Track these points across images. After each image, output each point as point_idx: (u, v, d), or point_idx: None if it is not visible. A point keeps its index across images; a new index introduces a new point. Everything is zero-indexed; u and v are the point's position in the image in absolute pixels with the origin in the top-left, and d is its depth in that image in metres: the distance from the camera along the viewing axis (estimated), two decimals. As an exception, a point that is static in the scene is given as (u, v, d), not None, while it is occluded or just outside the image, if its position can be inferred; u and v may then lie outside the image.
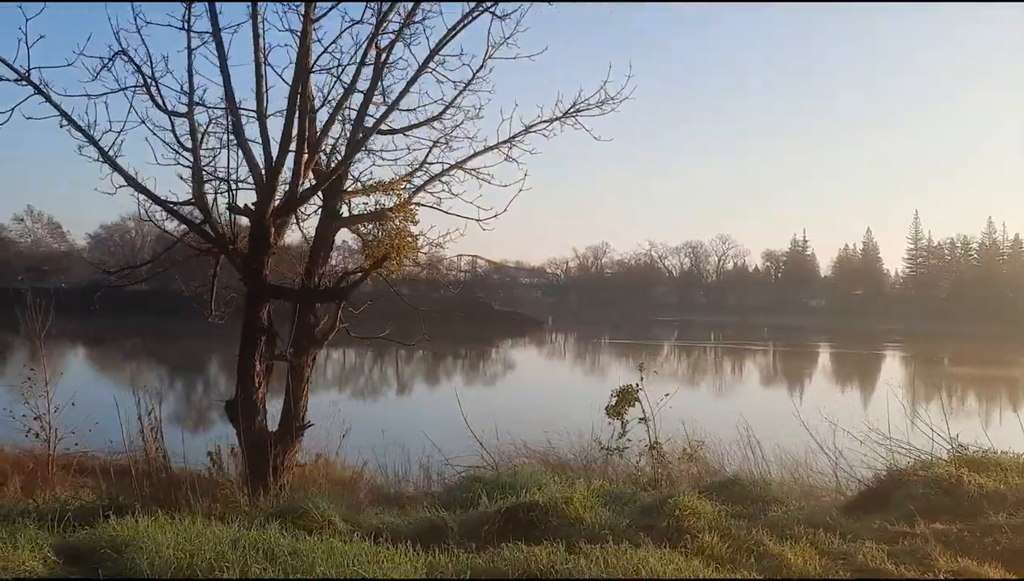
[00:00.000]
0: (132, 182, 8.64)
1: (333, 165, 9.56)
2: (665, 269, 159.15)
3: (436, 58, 8.97)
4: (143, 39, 8.62)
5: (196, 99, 9.06)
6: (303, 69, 8.54)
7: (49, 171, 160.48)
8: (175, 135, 9.12)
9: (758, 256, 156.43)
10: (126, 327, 65.33)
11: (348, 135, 9.77)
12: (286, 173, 8.79)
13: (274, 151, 8.64)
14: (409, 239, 8.69)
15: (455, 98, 8.73)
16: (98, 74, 8.50)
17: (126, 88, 9.06)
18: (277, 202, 8.85)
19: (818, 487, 10.02)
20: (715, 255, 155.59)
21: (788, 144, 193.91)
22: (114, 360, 53.64)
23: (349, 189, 9.38)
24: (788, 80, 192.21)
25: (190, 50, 8.61)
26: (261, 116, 8.61)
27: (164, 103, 9.02)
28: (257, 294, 8.88)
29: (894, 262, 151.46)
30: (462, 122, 9.04)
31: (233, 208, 8.82)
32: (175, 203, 8.91)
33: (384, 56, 9.04)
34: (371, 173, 10.22)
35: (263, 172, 8.67)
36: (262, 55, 8.56)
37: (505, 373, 52.44)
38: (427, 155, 9.32)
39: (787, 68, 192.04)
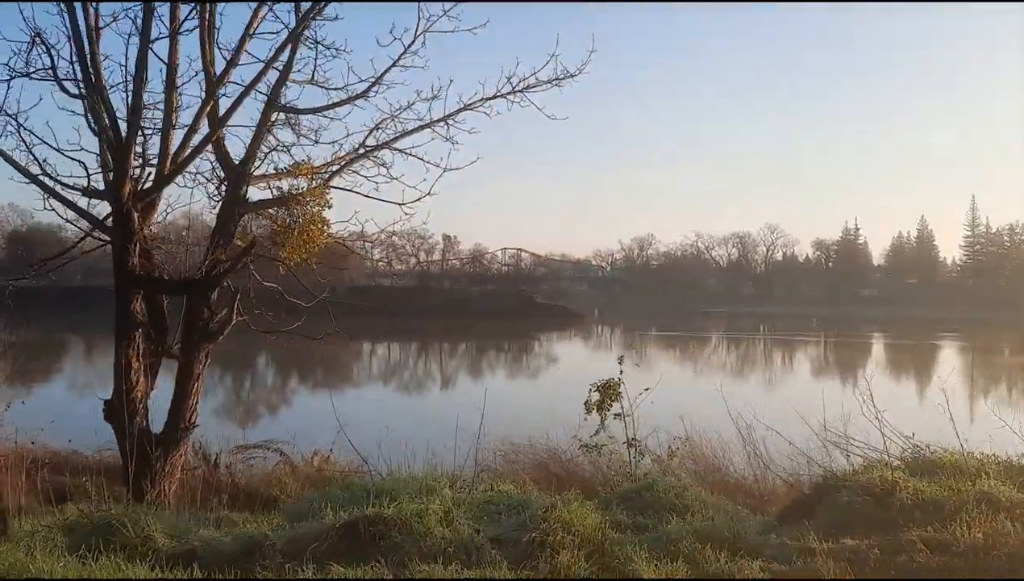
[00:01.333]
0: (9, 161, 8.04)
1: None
2: (712, 260, 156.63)
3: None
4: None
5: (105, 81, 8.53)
6: (146, 38, 7.85)
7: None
8: (87, 119, 8.62)
9: (808, 245, 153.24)
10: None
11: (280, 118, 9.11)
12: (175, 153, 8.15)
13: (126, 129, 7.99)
14: (313, 227, 8.01)
15: (381, 75, 8.06)
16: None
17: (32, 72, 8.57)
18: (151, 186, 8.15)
19: (768, 491, 9.25)
20: (763, 245, 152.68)
21: (838, 131, 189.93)
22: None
23: (257, 173, 8.71)
24: (835, 66, 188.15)
25: (74, 25, 8.03)
26: (94, 88, 7.93)
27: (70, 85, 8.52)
28: (124, 285, 8.34)
29: (950, 250, 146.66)
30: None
31: (88, 192, 8.28)
32: (69, 187, 8.36)
33: (300, 29, 8.32)
34: (307, 156, 9.47)
35: (113, 151, 8.05)
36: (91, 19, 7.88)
37: (536, 367, 51.59)
38: (347, 136, 8.56)
39: (832, 56, 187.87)
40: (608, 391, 9.71)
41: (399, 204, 8.64)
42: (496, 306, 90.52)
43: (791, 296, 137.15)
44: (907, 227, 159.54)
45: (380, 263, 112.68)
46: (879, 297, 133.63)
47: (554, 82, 7.97)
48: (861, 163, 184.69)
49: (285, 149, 8.48)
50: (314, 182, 8.70)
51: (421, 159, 8.68)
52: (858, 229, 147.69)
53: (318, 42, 8.15)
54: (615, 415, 9.67)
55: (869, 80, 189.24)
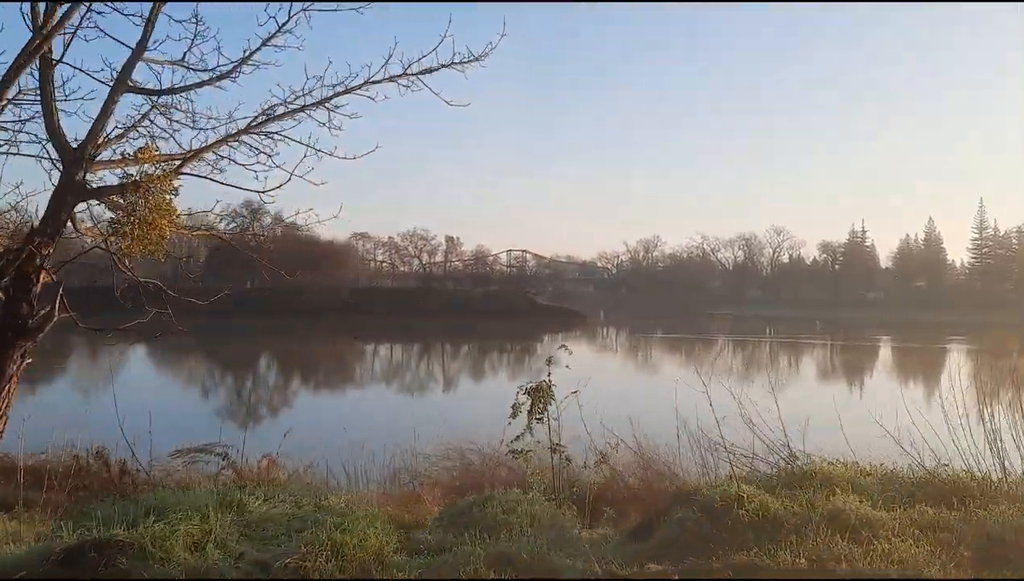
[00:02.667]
0: None
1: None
2: (718, 262, 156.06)
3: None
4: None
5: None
6: None
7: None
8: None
9: (814, 248, 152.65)
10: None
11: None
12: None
13: None
14: (160, 217, 7.20)
15: (250, 55, 7.34)
16: None
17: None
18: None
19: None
20: (769, 247, 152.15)
21: (845, 132, 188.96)
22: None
23: (98, 158, 7.73)
24: (842, 65, 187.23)
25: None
26: None
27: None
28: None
29: (958, 253, 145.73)
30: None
31: None
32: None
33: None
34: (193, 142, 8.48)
35: None
36: None
37: (528, 370, 51.03)
38: (208, 121, 7.68)
39: (840, 55, 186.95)
40: (539, 394, 9.28)
41: (259, 192, 7.67)
42: (498, 307, 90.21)
43: (797, 298, 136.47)
44: (914, 230, 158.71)
45: (384, 265, 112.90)
46: (886, 300, 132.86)
47: (454, 66, 7.38)
48: (868, 165, 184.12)
49: (146, 134, 7.67)
50: (158, 168, 7.76)
51: (310, 146, 7.70)
52: (865, 231, 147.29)
53: (183, 21, 7.29)
54: (537, 418, 9.18)
55: (877, 80, 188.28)
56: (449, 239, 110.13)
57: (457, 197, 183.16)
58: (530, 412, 9.14)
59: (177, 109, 7.44)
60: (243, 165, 7.52)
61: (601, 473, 10.11)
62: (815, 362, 57.88)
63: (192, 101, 7.58)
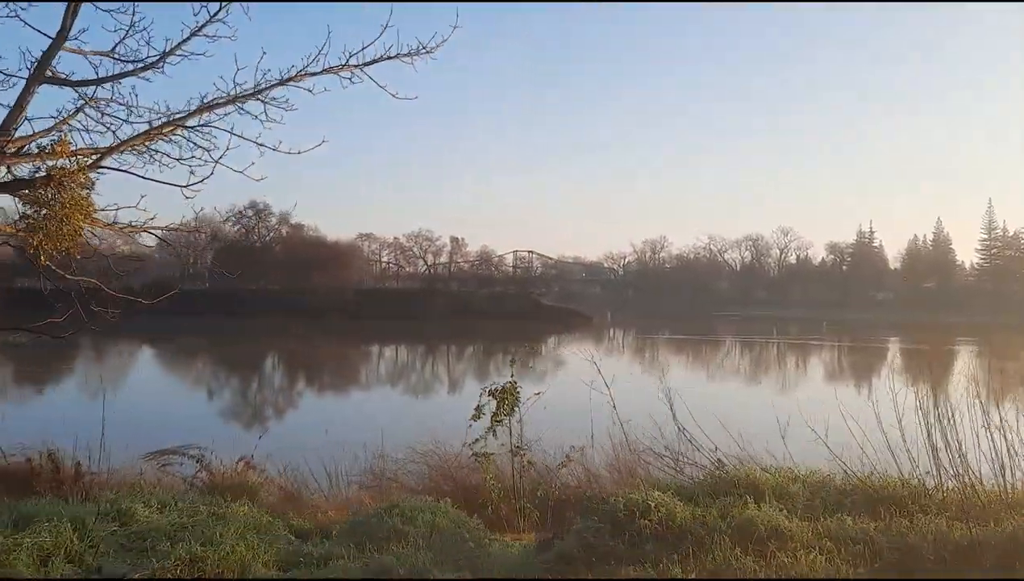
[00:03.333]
0: None
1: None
2: (725, 263, 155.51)
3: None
4: None
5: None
6: None
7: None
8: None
9: (821, 248, 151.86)
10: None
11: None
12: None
13: None
14: (75, 213, 6.91)
15: (178, 45, 6.98)
16: None
17: None
18: None
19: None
20: (777, 248, 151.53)
21: (852, 132, 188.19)
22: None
23: (20, 152, 7.45)
24: (849, 65, 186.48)
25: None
26: None
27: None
28: None
29: (968, 254, 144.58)
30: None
31: None
32: None
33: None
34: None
35: None
36: None
37: (531, 371, 50.68)
38: (150, 114, 7.37)
39: (846, 54, 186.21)
40: (505, 396, 9.07)
41: (181, 186, 7.34)
42: (503, 308, 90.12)
43: (805, 299, 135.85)
44: (923, 230, 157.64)
45: (389, 266, 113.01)
46: (894, 301, 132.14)
47: (400, 58, 7.12)
48: (876, 165, 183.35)
49: (81, 128, 7.33)
50: (75, 163, 7.45)
51: (249, 139, 7.36)
52: (873, 232, 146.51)
53: (110, 11, 6.94)
54: (497, 422, 8.97)
55: (884, 79, 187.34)
56: (454, 240, 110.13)
57: (462, 198, 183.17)
58: (495, 414, 8.95)
59: (117, 103, 7.18)
60: (178, 160, 7.23)
61: (574, 476, 9.93)
62: (810, 363, 57.42)
63: (137, 95, 7.31)
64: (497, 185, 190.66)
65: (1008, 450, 7.29)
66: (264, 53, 6.75)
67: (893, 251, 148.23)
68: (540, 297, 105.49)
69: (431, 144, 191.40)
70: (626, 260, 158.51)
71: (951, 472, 7.37)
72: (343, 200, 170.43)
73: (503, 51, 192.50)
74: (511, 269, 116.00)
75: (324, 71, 6.96)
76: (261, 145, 7.10)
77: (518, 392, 9.19)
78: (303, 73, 7.02)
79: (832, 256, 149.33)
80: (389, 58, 6.88)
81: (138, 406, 30.45)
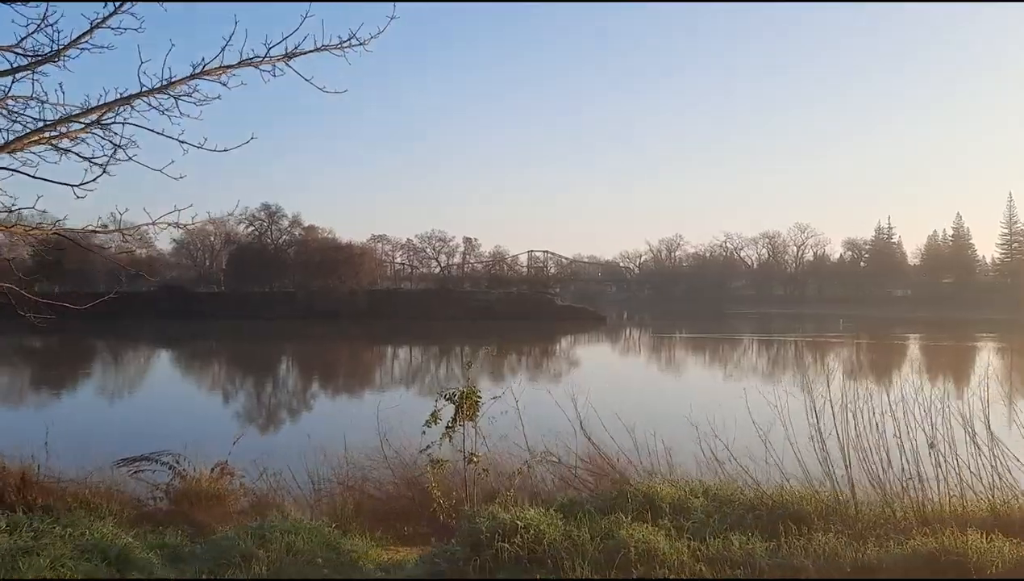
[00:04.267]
0: None
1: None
2: (742, 261, 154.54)
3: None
4: None
5: None
6: None
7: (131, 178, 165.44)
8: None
9: (839, 245, 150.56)
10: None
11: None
12: None
13: None
14: None
15: (78, 38, 6.39)
16: None
17: None
18: None
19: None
20: (794, 245, 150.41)
21: (870, 127, 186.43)
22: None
23: None
24: (865, 60, 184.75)
25: None
26: None
27: None
28: None
29: (989, 249, 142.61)
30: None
31: None
32: None
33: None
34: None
35: None
36: None
37: (546, 371, 50.54)
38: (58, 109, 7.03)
39: (862, 49, 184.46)
40: (465, 401, 8.89)
41: (72, 185, 7.08)
42: (516, 309, 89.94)
43: (822, 297, 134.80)
44: (942, 225, 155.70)
45: (402, 266, 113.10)
46: (914, 297, 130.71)
47: (329, 49, 6.78)
48: (896, 160, 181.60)
49: None
50: None
51: (170, 136, 6.95)
52: (891, 228, 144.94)
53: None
54: (451, 430, 8.73)
55: (903, 74, 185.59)
56: (467, 240, 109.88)
57: (476, 199, 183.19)
58: (453, 420, 8.75)
59: (19, 100, 6.89)
60: (89, 159, 6.90)
61: (527, 487, 9.83)
62: (808, 361, 56.66)
63: (58, 92, 6.92)
64: (512, 185, 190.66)
65: (939, 461, 7.16)
66: (173, 45, 6.31)
67: (912, 247, 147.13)
68: (554, 297, 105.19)
69: (447, 145, 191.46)
70: (642, 259, 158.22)
71: (865, 485, 7.21)
72: (359, 202, 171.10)
73: (519, 49, 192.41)
74: (524, 269, 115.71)
75: (241, 63, 6.52)
76: (183, 142, 6.68)
77: (478, 397, 9.02)
78: (220, 68, 6.48)
79: (850, 253, 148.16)
80: (317, 50, 6.51)
81: (129, 409, 30.82)
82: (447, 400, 8.91)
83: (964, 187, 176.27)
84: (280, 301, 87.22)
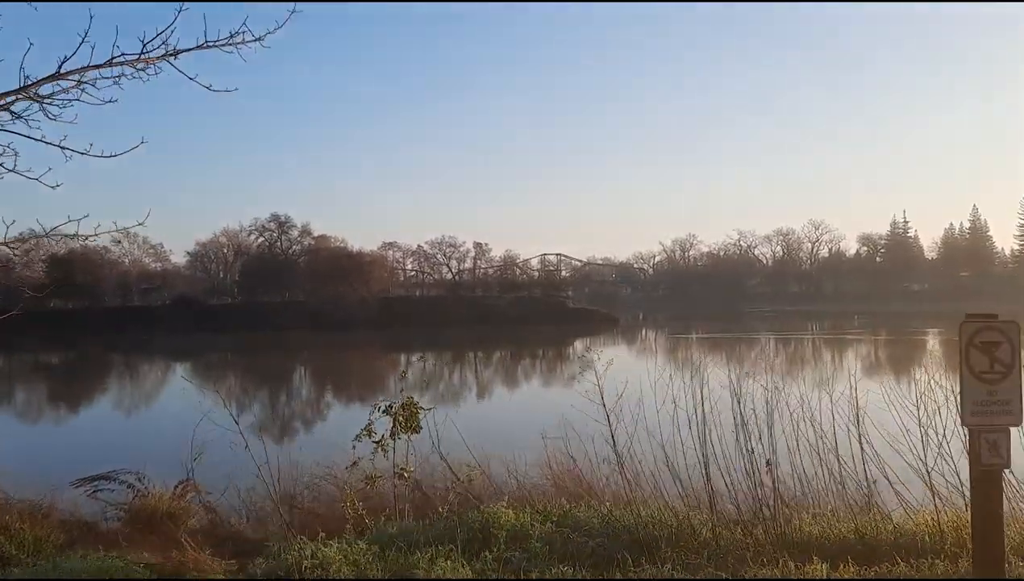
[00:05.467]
0: None
1: None
2: (756, 259, 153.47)
3: None
4: None
5: None
6: None
7: (147, 193, 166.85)
8: None
9: (854, 241, 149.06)
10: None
11: None
12: None
13: None
14: None
15: None
16: None
17: None
18: None
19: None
20: (808, 242, 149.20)
21: (881, 119, 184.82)
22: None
23: None
24: (874, 50, 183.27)
25: None
26: None
27: None
28: None
29: (1007, 241, 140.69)
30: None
31: None
32: None
33: None
34: None
35: None
36: None
37: (560, 375, 49.97)
38: None
39: (876, 45, 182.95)
40: (405, 413, 8.36)
41: None
42: (528, 313, 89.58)
43: (838, 293, 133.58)
44: (958, 219, 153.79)
45: (413, 273, 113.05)
46: (931, 291, 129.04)
47: (220, 46, 6.36)
48: (909, 153, 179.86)
49: None
50: None
51: (49, 142, 6.55)
52: (907, 222, 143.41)
53: None
54: (375, 443, 8.20)
55: (913, 68, 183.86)
56: (477, 245, 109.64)
57: (488, 202, 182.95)
58: (392, 434, 8.39)
59: None
60: None
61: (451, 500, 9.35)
62: (815, 358, 55.93)
63: None
64: (523, 188, 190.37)
65: (804, 477, 6.61)
66: (31, 45, 5.92)
67: (928, 241, 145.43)
68: (565, 300, 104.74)
69: (459, 149, 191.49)
70: (656, 259, 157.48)
71: (727, 507, 6.65)
72: (372, 209, 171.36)
73: (526, 51, 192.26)
74: (536, 273, 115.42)
75: (110, 63, 5.93)
76: (66, 149, 6.14)
77: (416, 408, 8.58)
78: (91, 66, 5.89)
79: (865, 248, 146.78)
80: (201, 48, 6.09)
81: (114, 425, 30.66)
82: (383, 412, 8.47)
83: (980, 178, 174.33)
84: (290, 311, 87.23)
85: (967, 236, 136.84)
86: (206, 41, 6.05)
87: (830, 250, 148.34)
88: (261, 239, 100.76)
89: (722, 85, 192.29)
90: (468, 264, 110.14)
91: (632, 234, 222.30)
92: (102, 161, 6.26)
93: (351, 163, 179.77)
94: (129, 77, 6.10)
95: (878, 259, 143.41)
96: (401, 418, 8.28)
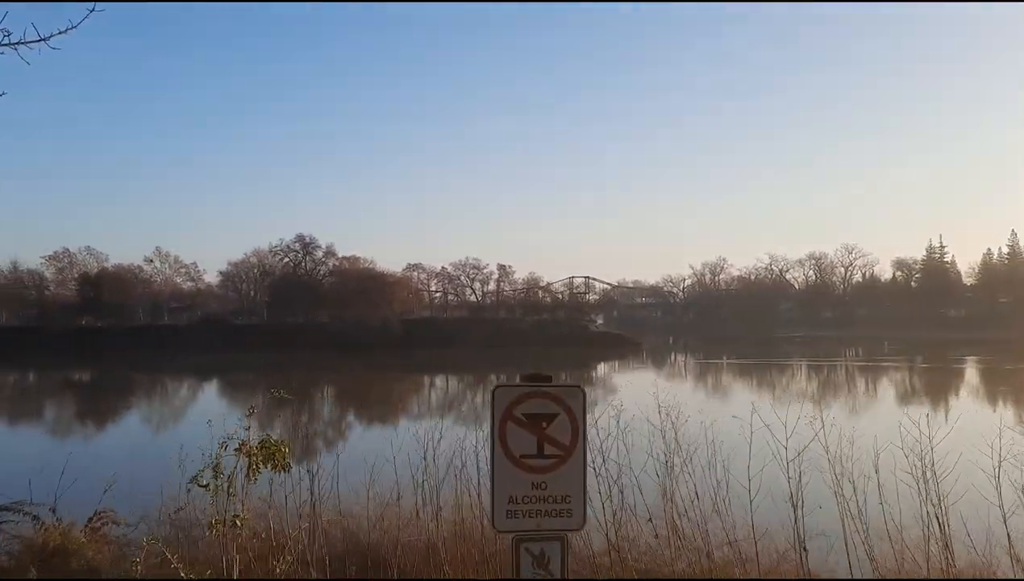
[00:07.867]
0: None
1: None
2: (788, 283, 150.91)
3: None
4: None
5: None
6: None
7: (175, 211, 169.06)
8: None
9: (888, 265, 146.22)
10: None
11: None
12: None
13: None
14: None
15: None
16: None
17: None
18: None
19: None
20: (841, 266, 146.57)
21: (917, 142, 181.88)
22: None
23: None
24: (913, 75, 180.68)
25: None
26: None
27: None
28: None
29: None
30: None
31: None
32: None
33: None
34: None
35: None
36: None
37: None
38: None
39: (913, 64, 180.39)
40: (264, 451, 7.05)
41: None
42: (552, 336, 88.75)
43: (872, 319, 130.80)
44: (996, 244, 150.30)
45: (436, 295, 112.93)
46: (968, 318, 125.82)
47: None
48: (946, 175, 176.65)
49: None
50: None
51: None
52: (943, 246, 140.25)
53: None
54: (226, 490, 6.75)
55: (950, 87, 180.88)
56: (501, 267, 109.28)
57: (515, 226, 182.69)
58: (247, 475, 7.25)
59: None
60: None
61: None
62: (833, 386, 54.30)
63: None
64: (552, 211, 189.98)
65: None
66: None
67: (965, 266, 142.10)
68: (589, 323, 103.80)
69: (493, 174, 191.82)
70: (686, 282, 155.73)
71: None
72: (401, 231, 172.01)
73: (552, 78, 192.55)
74: (560, 295, 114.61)
75: None
76: None
77: (278, 447, 7.16)
78: None
79: (900, 273, 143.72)
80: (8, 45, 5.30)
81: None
82: (237, 452, 7.09)
83: (1019, 203, 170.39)
84: (313, 331, 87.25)
85: (1006, 261, 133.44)
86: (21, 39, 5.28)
87: (863, 275, 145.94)
88: (287, 260, 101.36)
89: (755, 107, 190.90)
90: (492, 286, 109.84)
91: (662, 257, 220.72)
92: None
93: (377, 187, 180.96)
94: None
95: (913, 284, 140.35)
96: (257, 456, 7.22)
